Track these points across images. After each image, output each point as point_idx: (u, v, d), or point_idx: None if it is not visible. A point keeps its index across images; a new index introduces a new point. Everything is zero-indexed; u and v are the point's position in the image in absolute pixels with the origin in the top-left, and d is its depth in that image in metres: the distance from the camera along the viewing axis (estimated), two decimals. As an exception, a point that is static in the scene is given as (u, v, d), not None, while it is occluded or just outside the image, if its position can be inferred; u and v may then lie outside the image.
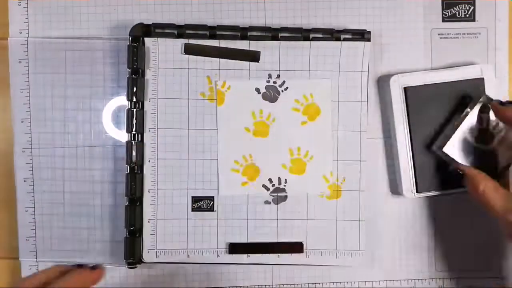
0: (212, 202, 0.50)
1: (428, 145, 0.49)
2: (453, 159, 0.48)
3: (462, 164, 0.48)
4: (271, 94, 0.50)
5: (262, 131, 0.50)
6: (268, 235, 0.50)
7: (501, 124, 0.48)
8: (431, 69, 0.51)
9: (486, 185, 0.44)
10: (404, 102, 0.49)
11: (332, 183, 0.50)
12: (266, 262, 0.50)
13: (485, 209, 0.44)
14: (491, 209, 0.43)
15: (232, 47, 0.49)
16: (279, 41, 0.49)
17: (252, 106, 0.50)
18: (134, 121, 0.49)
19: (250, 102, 0.50)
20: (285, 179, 0.50)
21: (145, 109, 0.49)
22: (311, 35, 0.50)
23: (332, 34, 0.49)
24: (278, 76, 0.50)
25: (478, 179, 0.45)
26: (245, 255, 0.50)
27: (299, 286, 0.52)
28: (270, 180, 0.50)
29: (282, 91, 0.50)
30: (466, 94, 0.49)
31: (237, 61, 0.50)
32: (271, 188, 0.50)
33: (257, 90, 0.50)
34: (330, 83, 0.50)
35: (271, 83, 0.50)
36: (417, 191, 0.50)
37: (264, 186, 0.50)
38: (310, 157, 0.50)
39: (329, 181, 0.50)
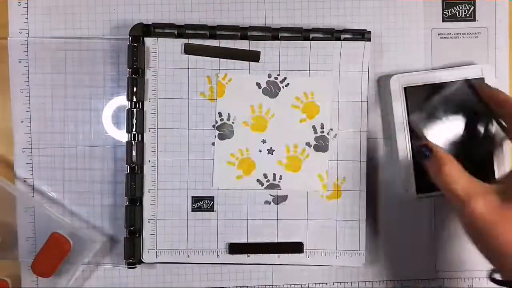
0: (212, 202, 0.50)
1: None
2: (424, 135, 0.47)
3: (431, 142, 0.45)
4: (271, 90, 0.50)
5: (260, 126, 0.50)
6: (268, 235, 0.50)
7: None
8: (431, 69, 0.51)
9: (452, 167, 0.41)
10: (404, 102, 0.49)
11: (327, 182, 0.50)
12: (266, 262, 0.50)
13: (444, 193, 0.41)
14: (451, 193, 0.40)
15: (232, 47, 0.49)
16: (279, 41, 0.49)
17: (252, 100, 0.50)
18: (134, 121, 0.49)
19: (250, 96, 0.50)
20: (280, 176, 0.50)
21: (145, 109, 0.49)
22: (311, 35, 0.50)
23: (332, 34, 0.49)
24: (278, 75, 0.50)
25: (445, 160, 0.42)
26: (245, 255, 0.50)
27: (299, 286, 0.52)
28: (265, 176, 0.50)
29: (283, 87, 0.50)
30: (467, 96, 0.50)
31: (237, 61, 0.50)
32: (266, 184, 0.50)
33: (258, 84, 0.50)
34: (331, 82, 0.50)
35: (272, 79, 0.50)
36: (417, 191, 0.49)
37: (258, 181, 0.50)
38: (306, 155, 0.50)
39: (324, 180, 0.50)
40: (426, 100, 0.49)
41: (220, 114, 0.50)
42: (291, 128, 0.50)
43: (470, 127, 0.49)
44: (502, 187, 0.40)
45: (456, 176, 0.41)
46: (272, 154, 0.50)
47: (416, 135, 0.49)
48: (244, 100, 0.50)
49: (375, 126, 0.51)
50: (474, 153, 0.49)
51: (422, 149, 0.44)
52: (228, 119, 0.50)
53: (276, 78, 0.50)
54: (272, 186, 0.50)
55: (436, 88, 0.49)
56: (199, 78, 0.50)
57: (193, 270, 0.51)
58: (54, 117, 0.50)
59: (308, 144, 0.50)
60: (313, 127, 0.50)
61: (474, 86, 0.48)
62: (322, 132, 0.50)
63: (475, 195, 0.39)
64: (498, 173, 0.50)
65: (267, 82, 0.50)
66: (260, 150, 0.50)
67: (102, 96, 0.50)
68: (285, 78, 0.50)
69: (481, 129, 0.50)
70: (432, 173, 0.43)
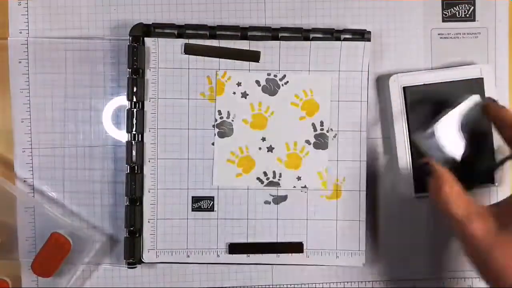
0: (212, 202, 0.50)
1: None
2: (427, 153, 0.46)
3: (432, 160, 0.44)
4: (271, 87, 0.50)
5: (260, 123, 0.50)
6: (268, 235, 0.50)
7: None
8: (431, 69, 0.51)
9: (452, 188, 0.41)
10: (403, 101, 0.49)
11: (327, 180, 0.50)
12: (266, 262, 0.50)
13: (442, 213, 0.41)
14: (450, 214, 0.40)
15: (232, 47, 0.49)
16: (279, 41, 0.49)
17: (251, 98, 0.50)
18: (134, 121, 0.49)
19: (249, 94, 0.50)
20: (280, 173, 0.50)
21: (145, 109, 0.49)
22: (311, 35, 0.50)
23: (332, 34, 0.50)
24: (278, 73, 0.50)
25: (445, 180, 0.41)
26: (245, 255, 0.50)
27: (299, 286, 0.52)
28: (265, 173, 0.50)
29: (282, 85, 0.50)
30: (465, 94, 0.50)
31: (237, 61, 0.50)
32: (265, 182, 0.50)
33: (257, 82, 0.50)
34: (330, 80, 0.50)
35: (271, 76, 0.50)
36: (416, 191, 0.50)
37: (258, 179, 0.50)
38: (306, 152, 0.50)
39: (324, 177, 0.50)
40: (425, 100, 0.49)
41: (219, 112, 0.50)
42: (290, 126, 0.50)
43: (474, 141, 0.49)
44: (498, 211, 0.40)
45: (455, 197, 0.41)
46: (271, 152, 0.50)
47: (418, 151, 0.48)
48: (244, 98, 0.50)
49: (375, 126, 0.52)
50: (476, 164, 0.49)
51: (423, 167, 0.44)
52: (228, 117, 0.50)
53: (275, 76, 0.50)
54: (272, 184, 0.50)
55: (435, 88, 0.49)
56: (199, 78, 0.50)
57: (193, 270, 0.51)
58: (54, 117, 0.50)
59: (307, 142, 0.50)
60: (313, 124, 0.50)
61: (484, 104, 0.46)
62: (322, 129, 0.50)
63: (474, 218, 0.39)
64: (497, 174, 0.50)
65: (266, 80, 0.50)
66: (259, 148, 0.50)
67: (102, 96, 0.51)
68: (285, 75, 0.50)
69: (485, 142, 0.50)
70: (432, 192, 0.42)
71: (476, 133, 0.49)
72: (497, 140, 0.49)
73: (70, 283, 0.50)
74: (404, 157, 0.50)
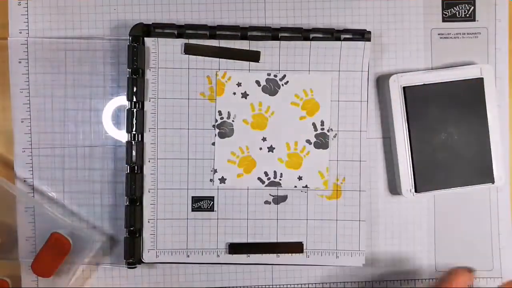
0: (212, 202, 0.50)
1: None
2: None
3: None
4: (271, 87, 0.50)
5: (260, 123, 0.50)
6: (268, 235, 0.50)
7: None
8: (431, 69, 0.51)
9: None
10: (403, 101, 0.49)
11: (328, 179, 0.50)
12: (266, 262, 0.50)
13: None
14: None
15: (232, 47, 0.49)
16: (279, 41, 0.49)
17: (252, 98, 0.50)
18: (134, 121, 0.49)
19: (249, 94, 0.50)
20: (281, 173, 0.50)
21: (145, 109, 0.49)
22: (311, 35, 0.50)
23: (332, 34, 0.50)
24: (278, 73, 0.50)
25: None
26: (245, 255, 0.50)
27: (299, 286, 0.52)
28: (266, 174, 0.50)
29: (282, 85, 0.50)
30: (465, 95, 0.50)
31: (237, 61, 0.50)
32: (266, 182, 0.50)
33: (257, 82, 0.50)
34: (330, 80, 0.50)
35: (271, 76, 0.50)
36: (415, 191, 0.50)
37: (259, 179, 0.50)
38: (306, 152, 0.50)
39: (325, 177, 0.50)
40: (425, 100, 0.49)
41: (220, 113, 0.50)
42: (291, 126, 0.50)
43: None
44: None
45: None
46: (272, 152, 0.50)
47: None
48: (244, 98, 0.50)
49: (375, 126, 0.52)
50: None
51: None
52: (228, 117, 0.50)
53: (275, 76, 0.50)
54: (273, 184, 0.50)
55: (435, 88, 0.49)
56: (199, 78, 0.50)
57: (193, 270, 0.51)
58: (54, 117, 0.50)
59: (308, 142, 0.50)
60: (313, 124, 0.50)
61: None
62: (322, 129, 0.50)
63: None
64: (496, 173, 0.50)
65: (267, 80, 0.50)
66: (260, 148, 0.50)
67: (102, 96, 0.51)
68: (285, 75, 0.50)
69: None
70: None
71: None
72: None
73: (70, 283, 0.50)
74: (404, 157, 0.50)
